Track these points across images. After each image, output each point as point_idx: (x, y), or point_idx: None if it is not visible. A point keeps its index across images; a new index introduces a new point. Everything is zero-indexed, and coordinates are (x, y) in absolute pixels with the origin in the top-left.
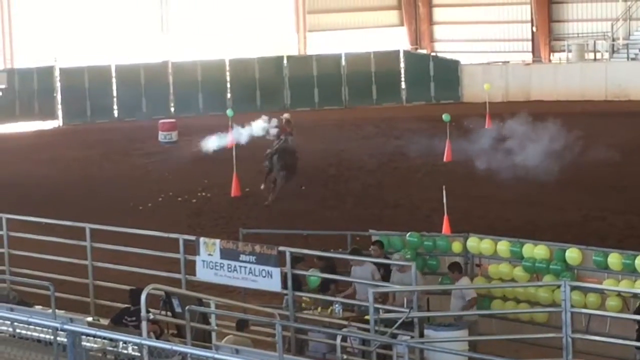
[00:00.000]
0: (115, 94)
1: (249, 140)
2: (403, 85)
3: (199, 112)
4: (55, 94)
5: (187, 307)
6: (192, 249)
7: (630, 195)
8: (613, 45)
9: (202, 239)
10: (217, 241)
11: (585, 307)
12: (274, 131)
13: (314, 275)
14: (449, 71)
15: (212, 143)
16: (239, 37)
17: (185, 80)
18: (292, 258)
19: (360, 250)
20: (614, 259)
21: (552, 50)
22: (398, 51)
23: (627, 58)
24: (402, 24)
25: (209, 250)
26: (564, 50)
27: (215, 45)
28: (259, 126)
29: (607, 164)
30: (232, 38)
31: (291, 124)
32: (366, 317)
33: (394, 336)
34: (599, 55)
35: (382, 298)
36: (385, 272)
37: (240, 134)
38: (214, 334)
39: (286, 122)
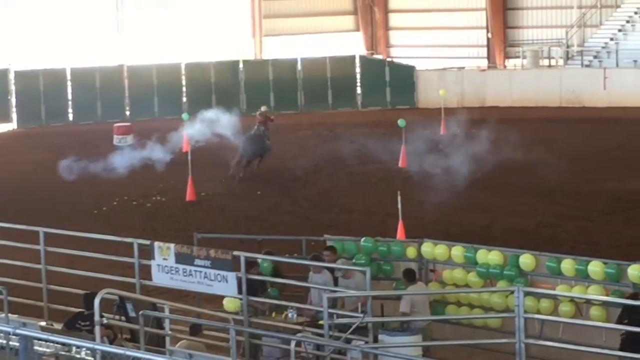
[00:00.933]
0: (70, 97)
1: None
2: (359, 90)
3: (154, 115)
4: (9, 97)
5: (140, 312)
6: (146, 253)
7: (583, 202)
8: (567, 52)
9: (156, 244)
10: (172, 245)
11: (538, 312)
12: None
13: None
14: (405, 77)
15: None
16: (195, 41)
17: (140, 84)
18: (247, 263)
19: (320, 257)
20: (567, 264)
21: (507, 56)
22: (354, 56)
23: (582, 65)
24: (358, 29)
25: (164, 255)
26: (519, 57)
27: (171, 49)
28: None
29: (560, 170)
30: (188, 42)
31: (265, 114)
32: (320, 322)
33: (348, 341)
34: (553, 62)
35: (332, 304)
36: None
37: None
38: (167, 339)
39: (260, 113)
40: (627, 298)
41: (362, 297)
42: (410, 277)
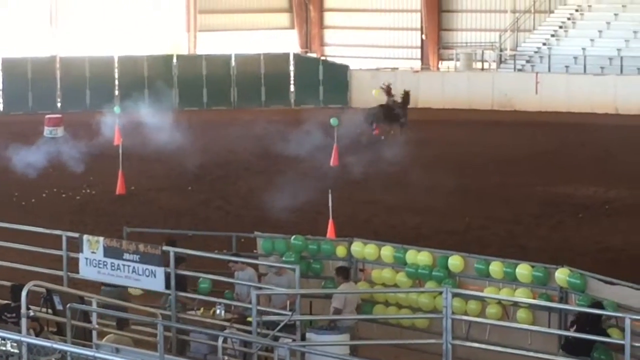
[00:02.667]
0: (1, 87)
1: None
2: (292, 88)
3: (86, 108)
4: None
5: (68, 305)
6: (75, 246)
7: (512, 205)
8: (500, 55)
9: (85, 237)
10: (101, 239)
11: (466, 314)
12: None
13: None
14: (338, 76)
15: None
16: (129, 34)
17: (73, 76)
18: (176, 258)
19: (239, 254)
20: (496, 267)
21: (440, 58)
22: (288, 54)
23: (514, 69)
24: (293, 27)
25: (93, 248)
26: (452, 59)
27: (104, 42)
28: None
29: (491, 173)
30: (122, 35)
31: (390, 89)
32: (248, 319)
33: (275, 339)
34: (486, 65)
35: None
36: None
37: None
38: (94, 333)
39: (387, 87)
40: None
41: (291, 295)
42: (345, 274)
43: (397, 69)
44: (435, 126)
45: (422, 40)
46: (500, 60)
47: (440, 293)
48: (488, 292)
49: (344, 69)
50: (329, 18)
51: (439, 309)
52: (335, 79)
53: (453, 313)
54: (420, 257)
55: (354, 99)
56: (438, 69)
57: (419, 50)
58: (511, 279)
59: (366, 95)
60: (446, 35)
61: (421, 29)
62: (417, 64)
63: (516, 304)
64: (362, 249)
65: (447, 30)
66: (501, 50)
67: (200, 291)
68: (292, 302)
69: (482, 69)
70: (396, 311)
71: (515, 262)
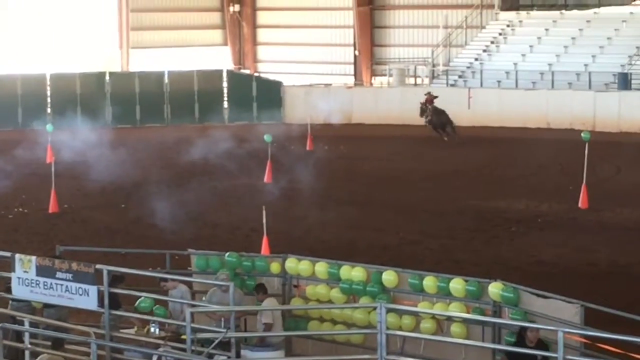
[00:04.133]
0: None
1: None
2: (225, 104)
3: (17, 126)
4: None
5: (0, 325)
6: (7, 265)
7: (446, 220)
8: (433, 71)
9: (17, 256)
10: (34, 258)
11: (400, 329)
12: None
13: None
14: (272, 92)
15: None
16: (61, 51)
17: (4, 94)
18: (115, 277)
19: (264, 286)
20: (429, 281)
21: (373, 74)
22: (221, 70)
23: (447, 84)
24: (226, 44)
25: (25, 267)
26: (385, 75)
27: (36, 59)
28: None
29: (423, 188)
30: (54, 52)
31: (430, 95)
32: (183, 336)
33: (210, 356)
34: (419, 81)
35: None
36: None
37: None
38: (27, 353)
39: (429, 95)
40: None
41: (227, 312)
42: (264, 289)
43: (330, 84)
44: (369, 142)
45: (355, 56)
46: (433, 76)
47: (375, 308)
48: (422, 307)
49: (277, 85)
50: (262, 34)
51: (374, 324)
52: (268, 95)
53: (387, 328)
54: (354, 272)
55: (287, 115)
56: (371, 84)
57: (352, 66)
58: (445, 294)
59: (300, 111)
60: (379, 51)
61: (354, 45)
62: (351, 80)
63: (450, 319)
64: (296, 265)
65: (379, 45)
66: (434, 65)
67: (140, 310)
68: (227, 319)
69: (415, 84)
70: (331, 327)
71: (448, 277)
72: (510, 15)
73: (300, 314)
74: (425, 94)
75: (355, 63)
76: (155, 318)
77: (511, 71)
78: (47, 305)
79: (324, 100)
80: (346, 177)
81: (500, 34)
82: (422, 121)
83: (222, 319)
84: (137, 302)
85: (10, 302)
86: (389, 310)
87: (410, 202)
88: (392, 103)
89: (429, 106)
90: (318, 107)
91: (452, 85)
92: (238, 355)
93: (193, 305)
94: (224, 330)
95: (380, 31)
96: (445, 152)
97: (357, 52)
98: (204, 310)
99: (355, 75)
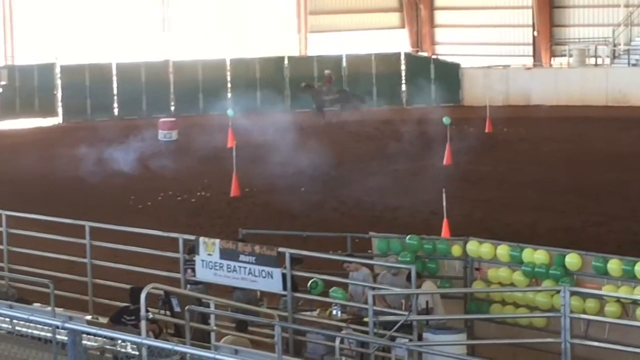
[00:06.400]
0: (115, 92)
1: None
2: (403, 87)
3: (199, 111)
4: (55, 92)
5: (186, 307)
6: (193, 248)
7: (630, 202)
8: (614, 50)
9: (201, 239)
10: (217, 241)
11: (584, 312)
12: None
13: (317, 279)
14: (450, 74)
15: None
16: (240, 37)
17: (186, 80)
18: (292, 259)
19: (354, 255)
20: (614, 264)
21: (553, 54)
22: (399, 53)
23: (628, 64)
24: (403, 27)
25: (209, 250)
26: (564, 55)
27: (216, 45)
28: None
29: (607, 169)
30: (234, 38)
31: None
32: (365, 319)
33: (392, 339)
34: (599, 61)
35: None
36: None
37: None
38: (212, 334)
39: (328, 75)
40: None
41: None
42: (417, 274)
43: (508, 66)
44: (549, 123)
45: (533, 37)
46: (614, 56)
47: (558, 292)
48: (606, 290)
49: (455, 67)
50: (440, 16)
51: (557, 308)
52: (447, 78)
53: (571, 312)
54: (536, 255)
55: (466, 98)
56: (550, 65)
57: (530, 47)
58: (630, 277)
59: (478, 93)
60: (558, 31)
61: (533, 26)
62: (529, 61)
63: (635, 302)
64: (477, 247)
65: (559, 26)
66: (614, 45)
67: (312, 292)
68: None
69: (596, 64)
70: (513, 310)
71: (634, 260)
72: None
73: (482, 297)
74: (326, 73)
75: (534, 44)
76: (337, 301)
77: None
78: (235, 288)
79: (502, 82)
80: (526, 159)
81: None
82: (603, 102)
83: (402, 302)
84: (308, 284)
85: (188, 284)
86: (572, 294)
87: (593, 183)
88: (572, 84)
89: (322, 86)
90: (496, 89)
91: (633, 65)
92: (420, 338)
93: (374, 289)
94: (406, 313)
95: (559, 11)
96: (630, 133)
97: (535, 33)
98: (385, 293)
99: (534, 56)
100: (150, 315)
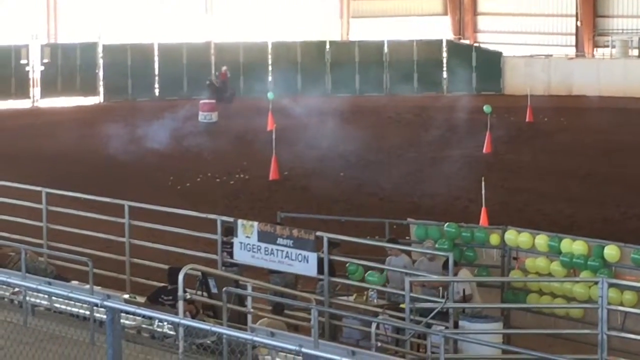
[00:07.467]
0: (157, 72)
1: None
2: (444, 74)
3: (240, 93)
4: (97, 70)
5: (224, 289)
6: (229, 230)
7: None
8: None
9: (240, 221)
10: (255, 224)
11: (621, 304)
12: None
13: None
14: (492, 62)
15: None
16: (282, 20)
17: (227, 61)
18: (329, 243)
19: (397, 240)
20: None
21: (595, 45)
22: (441, 40)
23: None
24: (445, 13)
25: (247, 233)
26: (607, 46)
27: (258, 28)
28: None
29: None
30: (276, 21)
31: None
32: (402, 305)
33: (428, 326)
34: None
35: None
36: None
37: None
38: (249, 316)
39: (225, 71)
40: None
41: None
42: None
43: (551, 55)
44: (590, 113)
45: (576, 26)
46: None
47: (596, 283)
48: None
49: (497, 55)
50: (483, 4)
51: (594, 299)
52: (488, 66)
53: (609, 303)
54: (575, 246)
55: (507, 86)
56: (593, 56)
57: (573, 37)
58: None
59: (519, 82)
60: (601, 21)
61: (576, 16)
62: (572, 51)
63: None
64: (515, 237)
65: (602, 16)
66: None
67: (351, 277)
68: (438, 289)
69: (639, 56)
70: (550, 300)
71: None
72: None
73: (519, 286)
74: (223, 70)
75: (576, 34)
76: (373, 286)
77: None
78: (272, 271)
79: (544, 71)
80: (567, 149)
81: None
82: None
83: (440, 289)
84: (347, 266)
85: (223, 266)
86: (610, 285)
87: (633, 175)
88: (614, 75)
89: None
90: (538, 78)
91: None
92: (456, 325)
93: (412, 276)
94: (442, 300)
95: (603, 1)
96: None
97: (579, 23)
98: (421, 280)
99: (576, 46)
100: (188, 296)
